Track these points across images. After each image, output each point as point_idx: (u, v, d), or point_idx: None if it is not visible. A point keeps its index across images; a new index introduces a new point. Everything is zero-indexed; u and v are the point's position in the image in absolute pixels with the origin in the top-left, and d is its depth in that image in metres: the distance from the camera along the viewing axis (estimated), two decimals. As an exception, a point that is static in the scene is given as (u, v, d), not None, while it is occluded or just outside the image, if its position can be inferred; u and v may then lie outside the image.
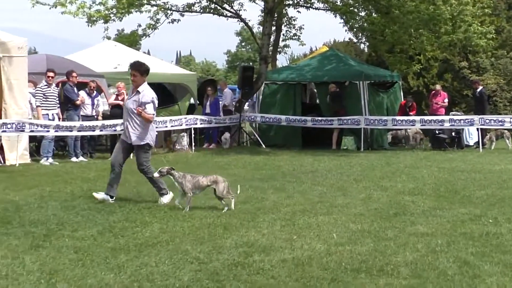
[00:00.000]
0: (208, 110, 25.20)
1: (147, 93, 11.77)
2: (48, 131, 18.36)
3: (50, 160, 18.47)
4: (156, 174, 11.45)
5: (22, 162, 17.87)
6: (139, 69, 11.82)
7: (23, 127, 17.60)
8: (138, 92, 11.71)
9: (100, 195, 11.74)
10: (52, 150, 18.90)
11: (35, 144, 20.21)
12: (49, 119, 18.70)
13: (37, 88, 19.24)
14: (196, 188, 11.33)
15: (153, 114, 11.94)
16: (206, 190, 11.50)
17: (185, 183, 11.19)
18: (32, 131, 18.03)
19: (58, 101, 19.21)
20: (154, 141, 12.43)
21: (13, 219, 9.92)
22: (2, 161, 17.86)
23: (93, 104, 20.63)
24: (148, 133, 11.86)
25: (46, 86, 18.86)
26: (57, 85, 19.66)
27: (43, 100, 18.80)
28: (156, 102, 11.90)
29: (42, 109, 18.75)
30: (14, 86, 18.11)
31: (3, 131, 17.25)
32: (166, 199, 11.80)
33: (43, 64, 20.87)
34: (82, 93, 20.20)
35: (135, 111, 11.62)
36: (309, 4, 27.90)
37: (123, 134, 12.18)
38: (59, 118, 19.17)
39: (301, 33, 30.04)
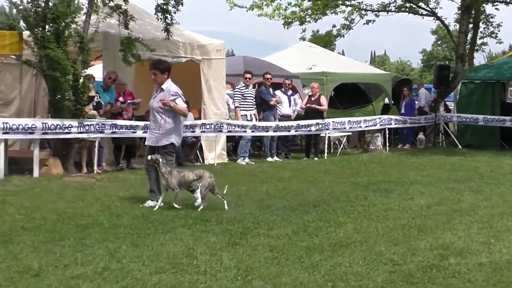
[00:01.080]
0: (403, 110, 24.89)
1: (172, 89, 11.47)
2: (245, 131, 18.78)
3: (247, 159, 18.89)
4: (149, 157, 11.09)
5: (220, 161, 18.39)
6: (158, 67, 11.48)
7: (221, 128, 18.10)
8: (163, 90, 11.39)
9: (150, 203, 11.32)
10: (248, 150, 19.33)
11: (232, 144, 20.74)
12: (247, 120, 19.13)
13: (235, 89, 19.74)
14: (182, 184, 11.07)
15: (186, 107, 11.85)
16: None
17: (170, 179, 10.91)
18: (229, 131, 18.51)
19: (255, 102, 19.61)
20: (180, 142, 11.92)
21: (211, 217, 10.20)
22: (201, 161, 18.47)
23: (289, 102, 20.86)
24: (175, 133, 11.42)
25: (244, 87, 19.31)
26: (253, 86, 20.08)
27: (241, 101, 19.26)
28: (183, 96, 11.58)
29: (240, 109, 19.22)
30: (213, 87, 18.71)
31: (202, 132, 17.82)
32: (150, 203, 11.26)
33: (241, 66, 21.40)
34: (278, 93, 20.50)
35: (161, 109, 11.30)
36: (508, 0, 26.93)
37: (147, 139, 11.69)
38: (256, 119, 19.57)
39: (499, 31, 29.07)
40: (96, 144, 15.66)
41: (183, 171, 11.25)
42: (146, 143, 11.68)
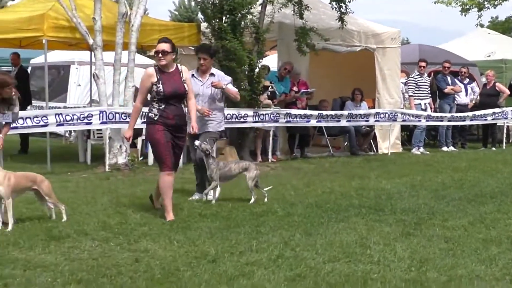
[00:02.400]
0: None
1: (221, 73, 11.05)
2: (420, 120, 18.51)
3: (421, 149, 18.59)
4: (197, 142, 10.22)
5: (393, 151, 18.21)
6: (208, 52, 10.90)
7: (395, 117, 17.90)
8: (213, 75, 10.83)
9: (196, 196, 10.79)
10: (423, 140, 19.03)
11: (407, 133, 20.47)
12: (421, 109, 18.83)
13: (409, 78, 19.48)
14: (227, 177, 10.53)
15: (237, 91, 11.37)
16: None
17: (216, 171, 10.26)
18: (404, 120, 18.29)
19: (429, 91, 19.27)
20: None
21: (385, 206, 10.12)
22: (375, 150, 18.37)
23: (466, 90, 20.34)
24: (223, 121, 11.21)
25: (418, 76, 19.02)
26: (428, 75, 19.74)
27: (415, 90, 18.98)
28: None
29: (414, 98, 18.96)
30: (387, 76, 18.52)
31: (376, 121, 17.69)
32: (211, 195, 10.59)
33: (415, 54, 21.11)
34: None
35: (216, 96, 10.83)
36: None
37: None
38: (430, 108, 19.23)
39: None
40: (271, 133, 15.90)
41: (229, 164, 10.76)
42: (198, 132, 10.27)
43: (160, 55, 9.17)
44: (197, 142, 10.21)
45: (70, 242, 7.69)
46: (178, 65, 9.51)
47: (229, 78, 11.22)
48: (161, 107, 9.13)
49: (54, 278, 6.28)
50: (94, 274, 6.42)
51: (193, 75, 10.68)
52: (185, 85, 9.27)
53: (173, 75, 9.25)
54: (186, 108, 9.54)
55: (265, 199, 10.48)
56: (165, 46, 9.18)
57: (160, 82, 9.08)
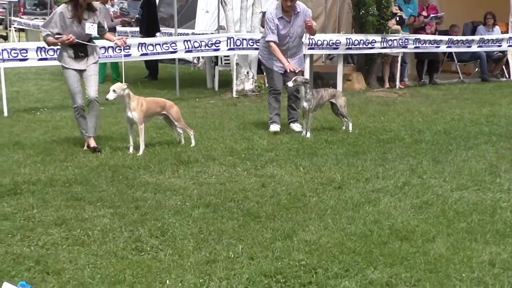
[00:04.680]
0: None
1: (303, 6, 10.23)
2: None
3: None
4: (290, 84, 9.67)
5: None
6: None
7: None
8: (299, 13, 10.11)
9: (274, 127, 10.29)
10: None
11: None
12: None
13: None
14: (318, 105, 9.97)
15: None
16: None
17: (312, 101, 9.73)
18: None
19: None
20: None
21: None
22: (507, 76, 17.80)
23: None
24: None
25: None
26: None
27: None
28: None
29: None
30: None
31: (509, 46, 17.09)
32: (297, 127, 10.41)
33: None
34: None
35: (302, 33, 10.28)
36: None
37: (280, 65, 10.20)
38: None
39: None
40: (399, 59, 15.65)
41: (320, 91, 10.17)
42: (279, 71, 10.35)
43: None
44: (290, 84, 9.72)
45: (199, 167, 7.86)
46: None
47: (310, 12, 10.58)
48: None
49: (183, 201, 6.45)
50: (221, 198, 6.56)
51: (281, 17, 10.07)
52: None
53: None
54: None
55: (350, 128, 10.16)
56: None
57: None
